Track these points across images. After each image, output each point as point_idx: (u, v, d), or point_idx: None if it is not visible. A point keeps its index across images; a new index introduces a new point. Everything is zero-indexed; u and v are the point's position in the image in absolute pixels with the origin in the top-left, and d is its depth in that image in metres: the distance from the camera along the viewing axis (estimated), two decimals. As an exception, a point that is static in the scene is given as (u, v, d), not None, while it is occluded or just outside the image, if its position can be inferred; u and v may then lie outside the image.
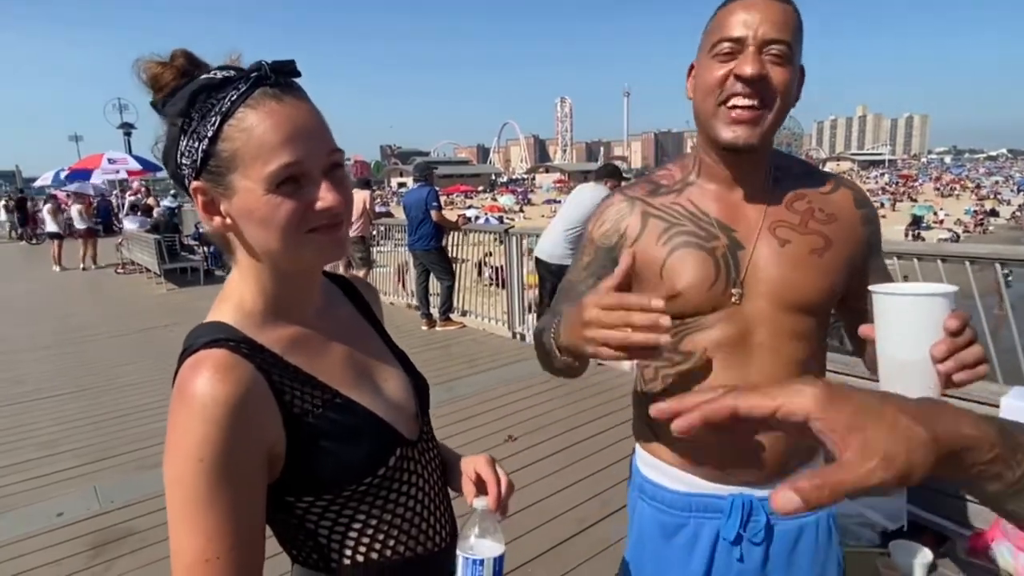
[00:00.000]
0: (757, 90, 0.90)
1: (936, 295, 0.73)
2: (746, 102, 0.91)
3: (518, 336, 5.95)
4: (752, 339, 0.98)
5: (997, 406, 1.79)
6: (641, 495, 1.12)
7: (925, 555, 1.69)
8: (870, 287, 0.78)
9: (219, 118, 0.66)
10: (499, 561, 0.74)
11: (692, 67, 1.00)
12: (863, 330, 0.79)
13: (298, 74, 0.70)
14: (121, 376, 5.16)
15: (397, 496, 0.78)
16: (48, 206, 12.70)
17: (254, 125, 0.66)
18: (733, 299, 0.98)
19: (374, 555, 0.76)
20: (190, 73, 0.71)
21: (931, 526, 1.87)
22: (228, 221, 0.70)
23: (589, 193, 4.78)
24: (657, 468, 1.09)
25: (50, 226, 12.11)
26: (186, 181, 0.70)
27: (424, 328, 6.32)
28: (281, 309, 0.76)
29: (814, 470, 0.41)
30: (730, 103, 0.92)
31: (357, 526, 0.75)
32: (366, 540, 0.76)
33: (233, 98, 0.66)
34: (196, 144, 0.67)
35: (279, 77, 0.68)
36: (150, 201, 12.02)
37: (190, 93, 0.67)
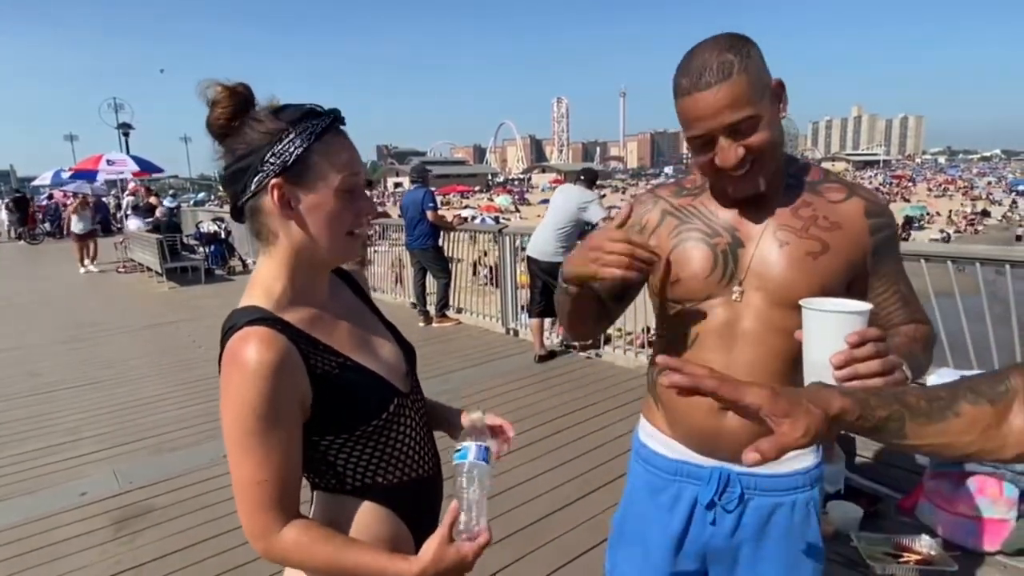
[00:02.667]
0: (744, 162, 0.98)
1: (840, 312, 0.86)
2: (739, 173, 1.00)
3: (511, 332, 6.19)
4: (740, 328, 1.08)
5: (923, 383, 2.05)
6: (637, 457, 1.27)
7: (856, 511, 1.94)
8: (800, 300, 0.90)
9: (314, 137, 0.87)
10: (489, 450, 0.94)
11: None
12: (796, 334, 0.91)
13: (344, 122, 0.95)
14: (134, 369, 5.40)
15: (396, 435, 0.98)
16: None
17: (334, 148, 0.89)
18: (734, 296, 1.07)
19: (379, 479, 0.97)
20: (248, 99, 0.89)
21: (866, 490, 2.13)
22: (295, 213, 0.89)
23: (575, 193, 5.05)
24: (653, 436, 1.23)
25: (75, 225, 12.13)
26: (262, 176, 0.87)
27: (421, 325, 6.55)
28: (302, 294, 0.94)
29: (763, 438, 0.69)
30: (723, 176, 1.02)
31: (366, 458, 0.95)
32: (372, 468, 0.96)
33: (324, 125, 0.89)
34: (292, 149, 0.86)
35: (341, 121, 0.93)
36: (152, 200, 12.16)
37: (302, 113, 0.88)
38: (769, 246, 1.06)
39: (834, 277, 1.05)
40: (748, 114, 0.95)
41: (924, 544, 1.81)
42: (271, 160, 0.87)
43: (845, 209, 1.08)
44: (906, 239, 27.32)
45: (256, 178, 0.88)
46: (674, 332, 1.15)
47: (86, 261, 11.92)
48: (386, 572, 0.87)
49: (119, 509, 3.05)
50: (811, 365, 0.90)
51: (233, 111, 0.88)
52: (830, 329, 0.86)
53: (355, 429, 0.93)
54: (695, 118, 0.97)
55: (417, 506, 1.03)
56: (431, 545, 0.88)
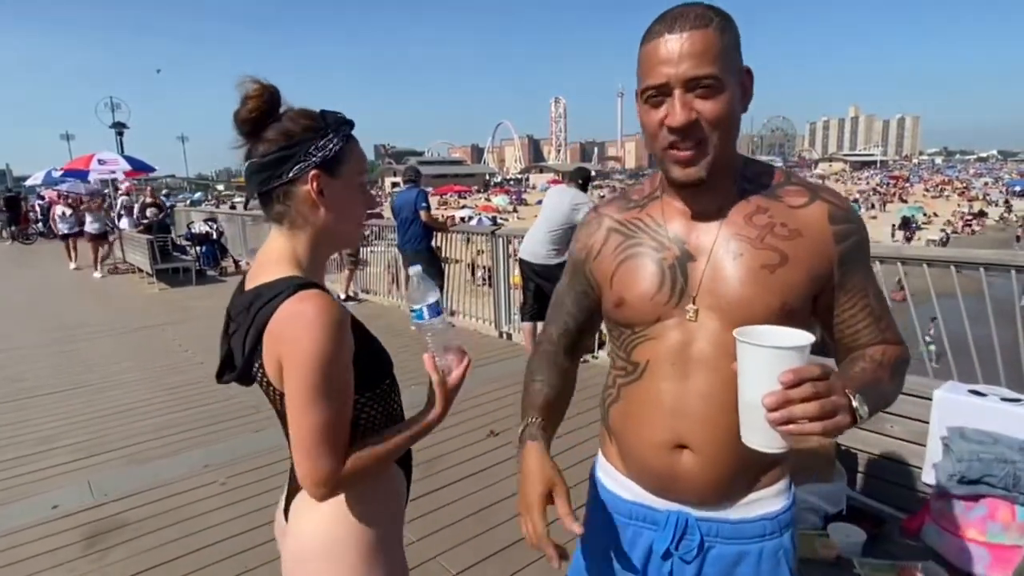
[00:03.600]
0: (692, 133, 0.89)
1: (773, 348, 0.76)
2: (684, 145, 0.91)
3: (504, 335, 6.09)
4: (693, 353, 0.98)
5: (930, 399, 1.94)
6: (594, 496, 1.18)
7: (859, 535, 1.84)
8: (734, 331, 0.80)
9: (347, 137, 1.04)
10: (438, 302, 1.05)
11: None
12: (732, 367, 0.82)
13: None
14: (117, 374, 5.27)
15: (395, 396, 1.15)
16: (58, 208, 12.50)
17: (357, 149, 1.07)
18: (688, 315, 0.97)
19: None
20: (278, 99, 1.01)
21: (869, 510, 2.02)
22: (326, 201, 1.02)
23: (568, 194, 4.94)
24: (609, 474, 1.14)
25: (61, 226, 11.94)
26: (304, 165, 0.99)
27: (414, 327, 6.42)
28: (317, 272, 1.07)
29: None
30: (670, 148, 0.92)
31: (377, 414, 1.09)
32: (381, 424, 1.09)
33: (351, 129, 1.06)
34: (331, 146, 1.01)
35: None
36: (157, 201, 11.93)
37: (339, 117, 1.04)
38: (722, 259, 0.96)
39: (795, 292, 0.94)
40: (712, 72, 0.87)
41: (931, 571, 1.70)
42: (314, 152, 0.99)
43: (806, 215, 0.97)
44: (909, 240, 27.32)
45: (298, 166, 0.99)
46: (626, 360, 1.05)
47: (75, 258, 11.74)
48: (424, 429, 1.06)
49: (91, 523, 2.93)
50: (744, 404, 0.80)
51: (266, 108, 0.99)
52: (763, 365, 0.76)
53: (377, 386, 1.07)
54: (656, 62, 0.88)
55: (406, 453, 1.18)
56: (438, 392, 1.04)
